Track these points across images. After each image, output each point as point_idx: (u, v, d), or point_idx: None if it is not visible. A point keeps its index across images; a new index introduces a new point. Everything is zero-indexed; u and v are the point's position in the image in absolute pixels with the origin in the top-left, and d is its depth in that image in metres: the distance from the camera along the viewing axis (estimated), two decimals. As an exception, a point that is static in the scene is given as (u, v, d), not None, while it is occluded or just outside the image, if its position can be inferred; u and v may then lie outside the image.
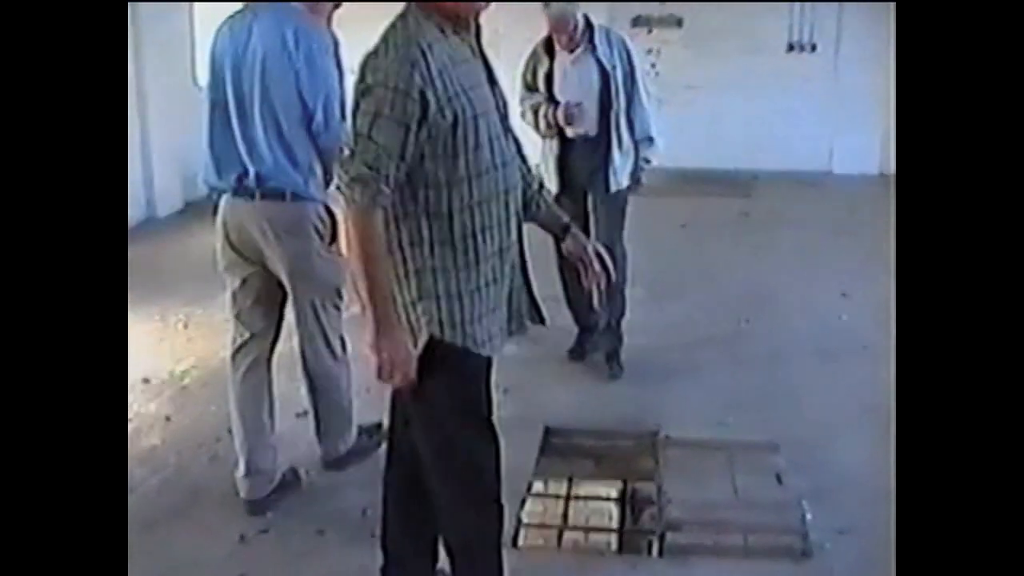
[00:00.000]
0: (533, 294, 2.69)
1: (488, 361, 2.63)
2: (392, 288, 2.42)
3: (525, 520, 3.58)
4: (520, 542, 3.46)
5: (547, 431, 4.32)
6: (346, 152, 2.32)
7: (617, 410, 4.54)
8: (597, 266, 2.73)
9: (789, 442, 4.03)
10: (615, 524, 3.50)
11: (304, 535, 3.50)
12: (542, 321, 2.73)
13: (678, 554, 3.31)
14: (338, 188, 2.33)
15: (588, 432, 4.34)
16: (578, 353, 5.20)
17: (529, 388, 4.75)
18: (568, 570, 3.30)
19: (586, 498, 3.69)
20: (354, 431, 3.95)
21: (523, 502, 3.74)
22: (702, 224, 7.72)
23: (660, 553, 3.35)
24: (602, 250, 2.77)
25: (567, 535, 3.48)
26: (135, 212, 6.94)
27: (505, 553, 2.87)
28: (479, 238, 2.44)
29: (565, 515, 3.60)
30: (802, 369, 4.93)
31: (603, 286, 2.99)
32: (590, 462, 4.29)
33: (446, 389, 2.55)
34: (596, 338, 5.14)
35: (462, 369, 2.54)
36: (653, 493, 3.66)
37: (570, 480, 3.86)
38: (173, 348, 5.35)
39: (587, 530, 3.49)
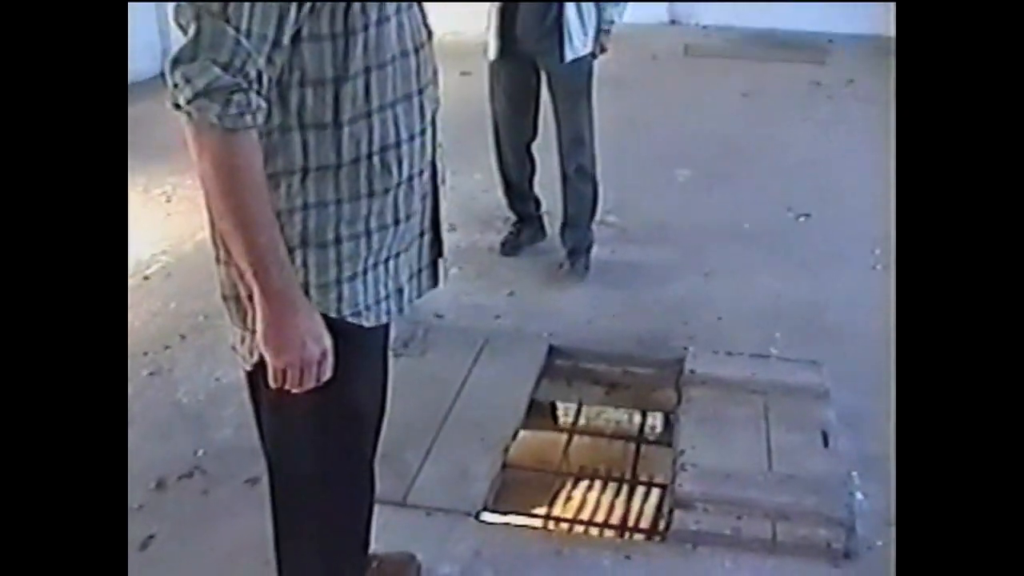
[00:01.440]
0: (441, 244, 1.97)
1: (378, 337, 1.90)
2: None
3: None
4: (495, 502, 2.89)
5: (551, 351, 3.63)
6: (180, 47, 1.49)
7: (636, 324, 3.81)
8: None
9: (843, 380, 3.30)
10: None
11: (233, 486, 2.90)
12: (434, 283, 2.00)
13: (684, 541, 2.67)
14: (176, 106, 1.50)
15: (600, 355, 3.64)
16: (511, 246, 4.44)
17: (529, 295, 4.05)
18: (543, 556, 2.65)
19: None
20: None
21: (515, 434, 3.13)
22: (765, 94, 6.72)
23: (663, 536, 2.70)
24: None
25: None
26: (148, 65, 6.26)
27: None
28: (378, 160, 1.69)
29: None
30: (865, 281, 4.12)
31: None
32: (600, 389, 3.64)
33: (307, 395, 1.75)
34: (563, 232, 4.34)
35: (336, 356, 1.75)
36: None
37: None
38: (149, 227, 4.71)
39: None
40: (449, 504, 2.82)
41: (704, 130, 5.85)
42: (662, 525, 2.82)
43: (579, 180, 4.16)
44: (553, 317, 3.86)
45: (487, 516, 2.86)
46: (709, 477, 2.81)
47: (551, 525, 2.94)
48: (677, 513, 2.73)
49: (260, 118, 1.53)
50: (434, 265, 1.96)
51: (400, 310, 1.87)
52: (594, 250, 4.32)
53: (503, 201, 4.47)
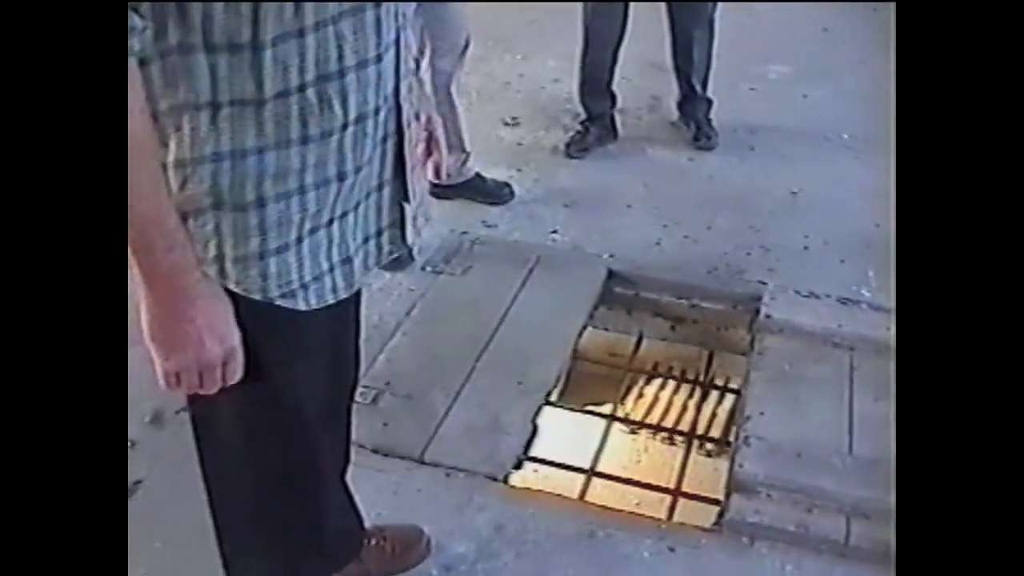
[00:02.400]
0: (407, 192, 1.49)
1: (323, 322, 1.46)
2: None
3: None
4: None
5: (610, 276, 3.20)
6: None
7: (709, 248, 3.35)
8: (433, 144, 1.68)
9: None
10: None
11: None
12: (402, 243, 1.53)
13: (739, 533, 2.27)
14: None
15: (666, 284, 3.19)
16: (577, 148, 3.98)
17: (591, 207, 3.59)
18: (575, 539, 2.28)
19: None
20: None
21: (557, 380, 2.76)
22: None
23: (718, 523, 2.31)
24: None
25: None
26: None
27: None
28: (314, 95, 1.23)
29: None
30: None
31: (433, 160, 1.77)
32: (663, 323, 3.21)
33: (233, 398, 1.39)
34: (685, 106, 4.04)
35: (262, 348, 1.38)
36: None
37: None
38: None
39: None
40: (473, 464, 2.46)
41: (807, 17, 5.19)
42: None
43: (702, 37, 3.85)
44: (615, 235, 3.41)
45: (517, 476, 2.50)
46: (777, 456, 2.39)
47: (588, 498, 2.56)
48: (735, 499, 2.33)
49: (138, 41, 1.09)
50: (400, 222, 1.51)
51: (350, 285, 1.45)
52: (668, 158, 3.85)
53: (575, 95, 3.98)
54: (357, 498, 1.99)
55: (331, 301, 1.44)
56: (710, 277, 3.20)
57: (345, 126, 1.28)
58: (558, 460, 2.68)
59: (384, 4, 1.26)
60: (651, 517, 2.44)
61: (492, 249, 3.32)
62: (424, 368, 2.78)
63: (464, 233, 3.40)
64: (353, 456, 2.46)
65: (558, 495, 2.48)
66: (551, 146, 4.01)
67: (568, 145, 3.97)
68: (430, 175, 3.52)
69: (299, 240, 1.32)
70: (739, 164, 3.89)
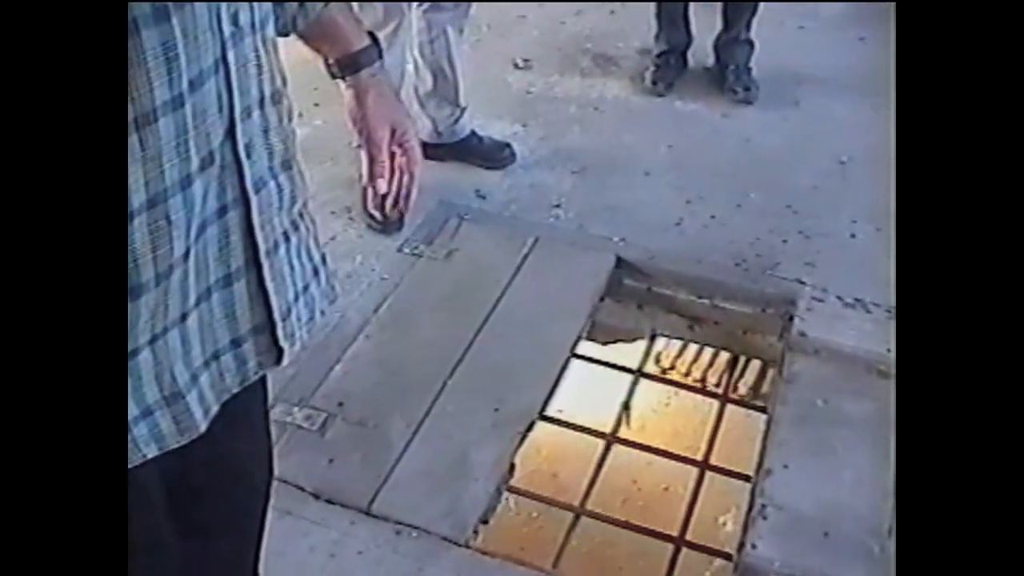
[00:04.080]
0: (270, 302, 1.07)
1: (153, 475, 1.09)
2: None
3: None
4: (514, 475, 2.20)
5: (619, 264, 2.72)
6: None
7: (739, 233, 2.85)
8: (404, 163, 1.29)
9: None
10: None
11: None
12: (275, 358, 1.11)
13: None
14: None
15: (683, 279, 2.71)
16: (664, 83, 3.49)
17: (602, 175, 3.08)
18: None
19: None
20: None
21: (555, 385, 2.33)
22: None
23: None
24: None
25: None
26: None
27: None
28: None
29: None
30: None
31: (402, 188, 1.32)
32: (680, 321, 2.74)
33: None
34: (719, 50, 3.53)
35: None
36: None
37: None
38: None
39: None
40: (428, 520, 2.04)
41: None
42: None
43: None
44: (628, 212, 2.92)
45: (483, 537, 2.07)
46: (799, 535, 1.93)
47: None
48: (742, 590, 1.87)
49: None
50: (269, 325, 1.07)
51: (186, 430, 1.01)
52: (699, 114, 3.32)
53: (588, 31, 3.49)
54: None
55: (155, 453, 1.00)
56: (737, 271, 2.70)
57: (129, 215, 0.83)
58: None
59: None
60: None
61: (482, 227, 2.84)
62: (385, 385, 2.34)
63: (452, 205, 2.91)
64: (291, 502, 2.07)
65: (526, 564, 2.04)
66: (564, 95, 3.48)
67: (654, 82, 3.48)
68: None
69: None
70: (780, 123, 3.34)
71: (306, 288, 1.13)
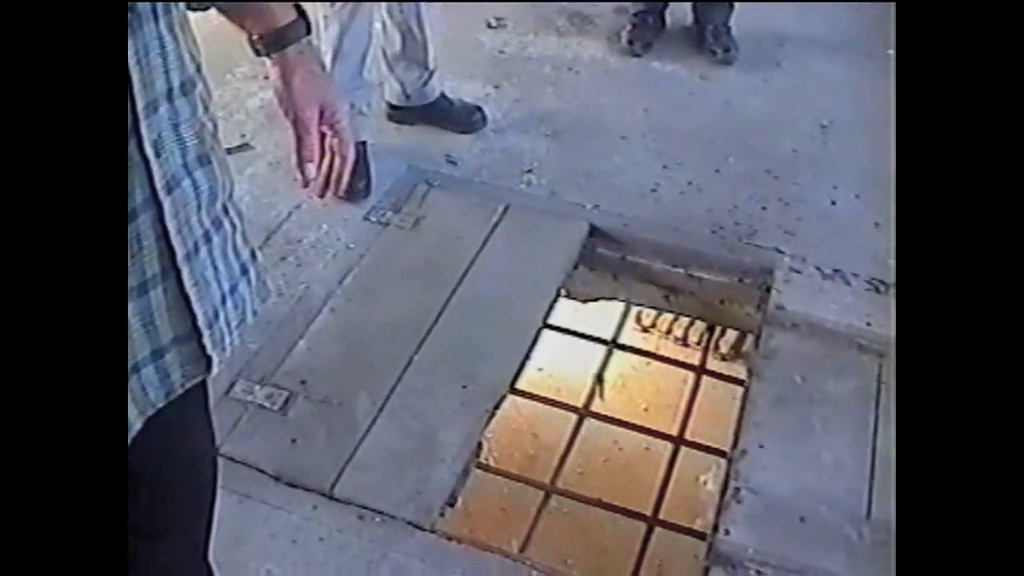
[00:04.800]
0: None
1: None
2: None
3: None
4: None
5: (593, 232, 2.64)
6: None
7: (717, 200, 2.77)
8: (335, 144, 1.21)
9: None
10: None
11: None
12: (204, 367, 1.03)
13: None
14: None
15: (659, 247, 2.63)
16: (642, 43, 3.38)
17: (577, 140, 2.98)
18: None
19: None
20: None
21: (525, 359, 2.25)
22: None
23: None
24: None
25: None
26: None
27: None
28: None
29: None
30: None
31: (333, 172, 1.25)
32: (655, 291, 2.67)
33: None
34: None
35: None
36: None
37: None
38: None
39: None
40: (393, 504, 1.97)
41: None
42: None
43: None
44: (603, 178, 2.83)
45: (450, 519, 2.00)
46: (774, 520, 1.87)
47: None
48: (714, 574, 1.81)
49: None
50: (194, 333, 0.99)
51: None
52: (677, 75, 3.22)
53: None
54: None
55: None
56: (714, 239, 2.62)
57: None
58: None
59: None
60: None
61: (452, 194, 2.75)
62: (350, 361, 2.26)
63: (421, 171, 2.82)
64: (251, 486, 2.00)
65: (492, 549, 1.97)
66: (538, 55, 3.37)
67: (631, 41, 3.36)
68: (387, 96, 2.93)
69: None
70: (761, 85, 3.24)
71: (234, 289, 1.04)
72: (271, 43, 1.15)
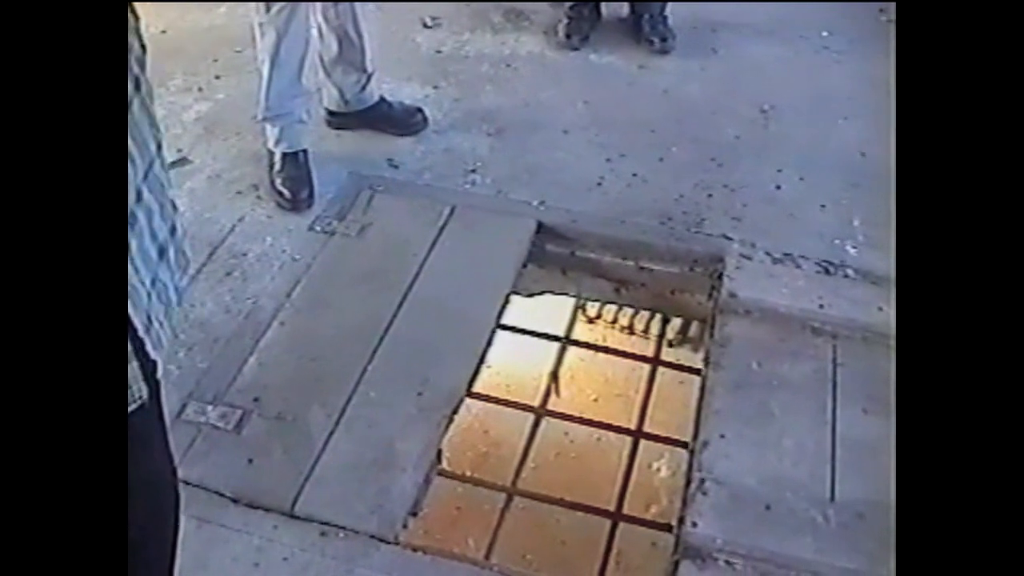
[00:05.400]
0: None
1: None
2: None
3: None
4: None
5: (540, 229, 2.62)
6: None
7: (662, 191, 2.76)
8: None
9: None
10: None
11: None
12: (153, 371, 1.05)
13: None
14: None
15: (607, 241, 2.61)
16: (579, 36, 3.38)
17: (519, 135, 2.96)
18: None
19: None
20: None
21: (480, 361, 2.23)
22: None
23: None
24: None
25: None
26: None
27: None
28: None
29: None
30: None
31: None
32: (605, 284, 2.66)
33: None
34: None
35: None
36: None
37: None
38: None
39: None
40: (355, 519, 1.94)
41: None
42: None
43: None
44: (548, 174, 2.81)
45: (414, 530, 1.97)
46: (740, 510, 1.87)
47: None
48: (685, 568, 1.81)
49: None
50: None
51: None
52: (614, 66, 3.21)
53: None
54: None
55: None
56: (662, 230, 2.62)
57: None
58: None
59: None
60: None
61: (396, 199, 2.71)
62: (302, 375, 2.22)
63: (364, 177, 2.78)
64: (209, 509, 1.96)
65: (458, 557, 1.95)
66: (476, 53, 3.34)
67: (568, 36, 3.34)
68: (325, 102, 2.89)
69: None
70: (699, 73, 3.25)
71: (154, 280, 1.00)
72: None
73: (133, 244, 0.97)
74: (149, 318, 0.98)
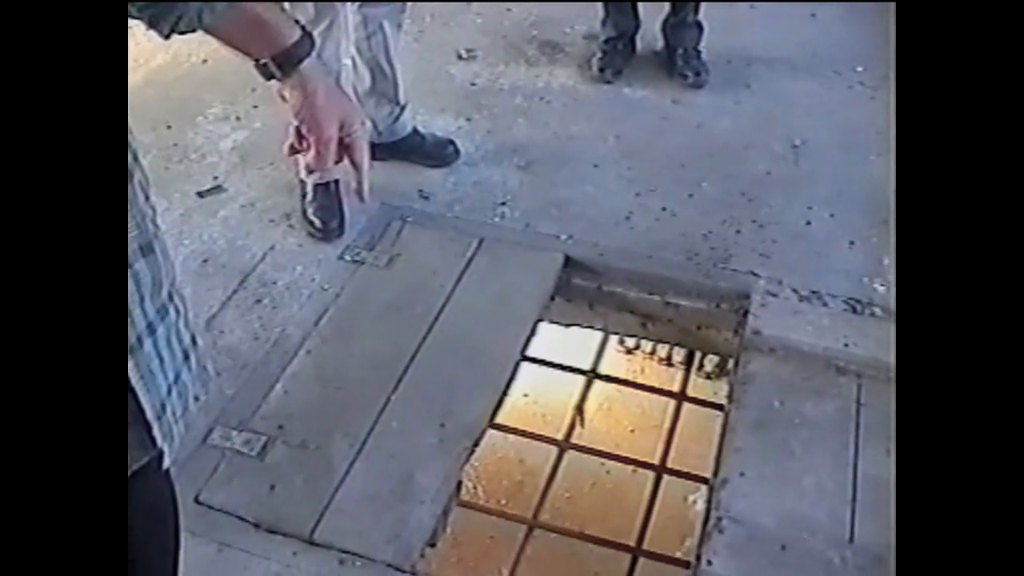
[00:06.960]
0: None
1: None
2: None
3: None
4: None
5: (568, 263, 2.63)
6: None
7: (691, 226, 2.76)
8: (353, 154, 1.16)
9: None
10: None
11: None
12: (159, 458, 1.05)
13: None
14: None
15: (634, 276, 2.62)
16: (612, 70, 3.40)
17: (550, 168, 2.98)
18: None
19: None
20: None
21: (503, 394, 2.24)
22: None
23: None
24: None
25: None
26: None
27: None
28: None
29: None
30: None
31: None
32: (632, 319, 2.67)
33: None
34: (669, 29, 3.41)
35: None
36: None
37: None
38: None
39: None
40: (373, 547, 1.96)
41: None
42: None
43: None
44: (577, 208, 2.83)
45: (431, 560, 1.99)
46: (756, 549, 1.86)
47: None
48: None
49: None
50: (140, 420, 0.99)
51: None
52: (648, 100, 3.23)
53: (533, 17, 3.40)
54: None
55: None
56: (689, 265, 2.62)
57: None
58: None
59: None
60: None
61: (425, 230, 2.74)
62: (327, 404, 2.25)
63: (394, 208, 2.81)
64: (230, 534, 1.98)
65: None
66: (510, 86, 3.37)
67: (602, 69, 3.37)
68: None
69: None
70: (732, 107, 3.25)
71: (177, 377, 1.03)
72: (284, 63, 1.08)
73: (160, 333, 0.99)
74: (163, 407, 1.00)
